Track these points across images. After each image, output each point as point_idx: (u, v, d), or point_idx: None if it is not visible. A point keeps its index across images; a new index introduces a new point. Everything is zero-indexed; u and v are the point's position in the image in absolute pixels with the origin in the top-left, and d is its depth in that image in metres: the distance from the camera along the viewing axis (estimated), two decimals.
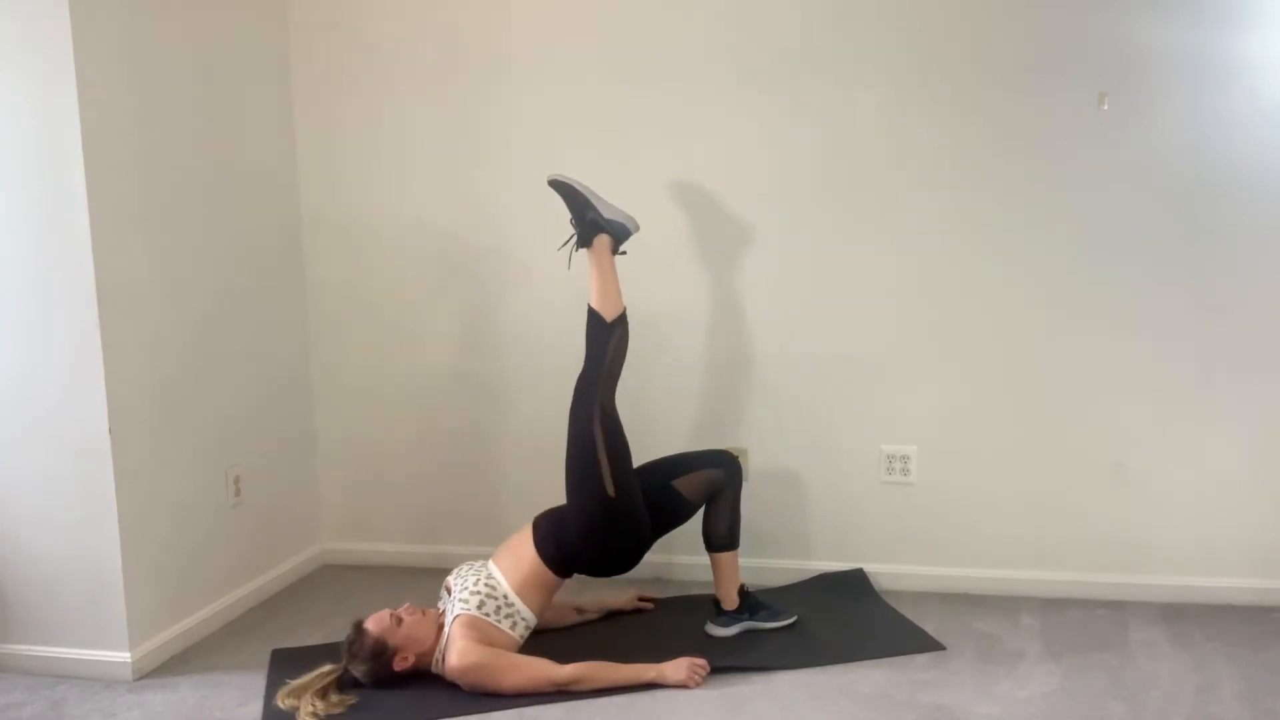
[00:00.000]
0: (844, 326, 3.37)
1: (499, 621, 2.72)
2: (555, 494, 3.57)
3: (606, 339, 2.86)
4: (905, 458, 3.38)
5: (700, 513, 3.02)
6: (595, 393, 2.84)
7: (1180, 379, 3.19)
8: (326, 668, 2.70)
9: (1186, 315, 3.16)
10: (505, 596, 2.76)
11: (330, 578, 3.71)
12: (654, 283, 3.40)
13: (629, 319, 2.91)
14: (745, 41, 3.34)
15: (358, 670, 2.69)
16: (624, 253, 2.99)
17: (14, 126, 2.73)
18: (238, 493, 3.36)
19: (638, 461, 2.93)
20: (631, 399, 3.49)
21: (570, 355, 3.46)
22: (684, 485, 2.95)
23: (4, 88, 2.72)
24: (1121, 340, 3.21)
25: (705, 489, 2.97)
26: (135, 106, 2.91)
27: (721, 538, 3.00)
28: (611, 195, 3.32)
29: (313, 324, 3.76)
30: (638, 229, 3.01)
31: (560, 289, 3.47)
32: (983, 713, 2.53)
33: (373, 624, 2.70)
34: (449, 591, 2.84)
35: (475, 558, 3.57)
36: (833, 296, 3.37)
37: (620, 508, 2.81)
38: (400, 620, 2.71)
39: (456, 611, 2.72)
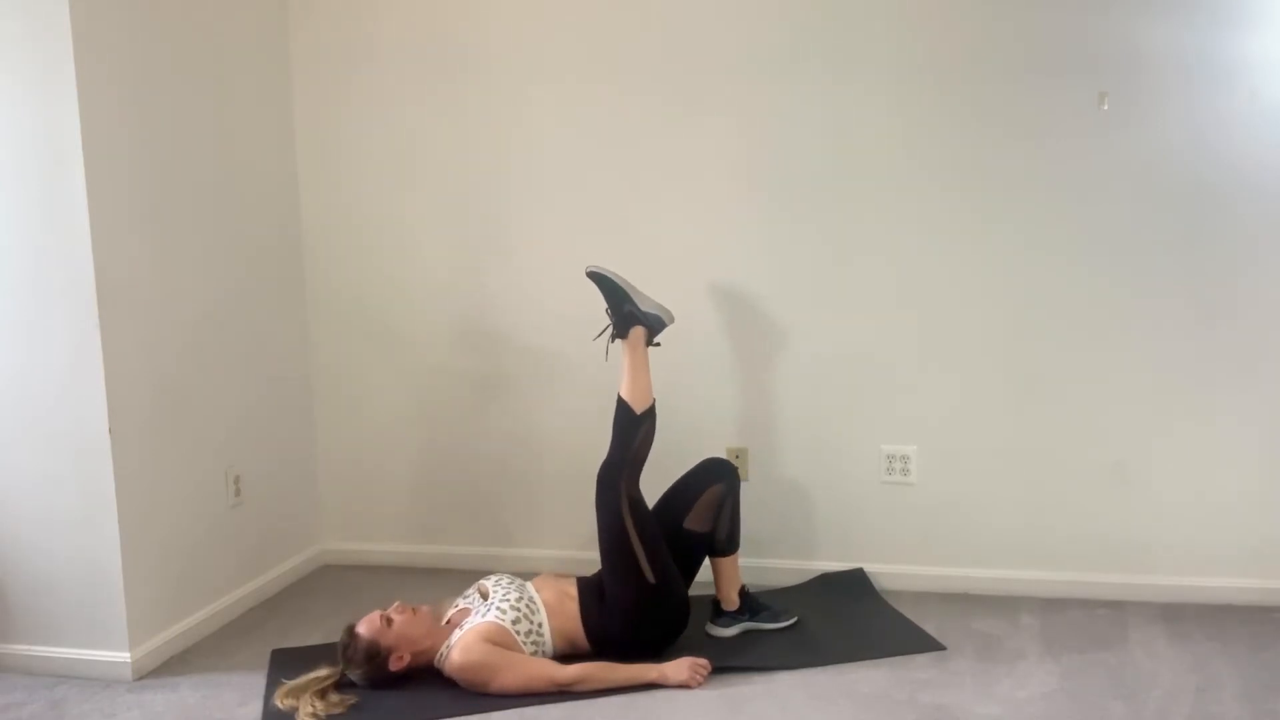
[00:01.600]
0: (844, 326, 3.37)
1: (524, 643, 2.72)
2: (555, 493, 3.59)
3: (635, 430, 2.87)
4: (905, 458, 3.38)
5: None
6: (621, 482, 2.83)
7: (1180, 379, 3.18)
8: (324, 671, 2.70)
9: (1187, 315, 3.16)
10: (540, 626, 2.77)
11: (330, 578, 3.71)
12: (653, 282, 3.40)
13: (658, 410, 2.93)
14: (746, 41, 3.33)
15: (354, 674, 2.69)
16: (658, 344, 3.01)
17: (14, 126, 2.73)
18: (238, 493, 3.36)
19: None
20: None
21: (570, 356, 3.49)
22: (695, 520, 2.96)
23: (4, 88, 2.72)
24: (1121, 340, 3.21)
25: (714, 510, 2.97)
26: (135, 106, 2.91)
27: (722, 543, 3.00)
28: (613, 194, 3.33)
29: (313, 324, 3.76)
30: (673, 321, 3.03)
31: (561, 290, 3.48)
32: (983, 713, 2.53)
33: (364, 627, 2.70)
34: (483, 595, 2.84)
35: (474, 558, 3.61)
36: (832, 296, 3.37)
37: (662, 592, 2.82)
38: (390, 620, 2.70)
39: (490, 618, 2.71)
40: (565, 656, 2.78)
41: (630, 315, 2.97)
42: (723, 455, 3.29)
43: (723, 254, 3.42)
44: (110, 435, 2.79)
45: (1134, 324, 3.19)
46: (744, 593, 3.05)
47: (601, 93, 3.45)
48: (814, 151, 3.32)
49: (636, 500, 2.86)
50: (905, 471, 3.39)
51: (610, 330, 3.02)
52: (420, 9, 3.55)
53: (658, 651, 2.82)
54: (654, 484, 2.99)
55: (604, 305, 3.01)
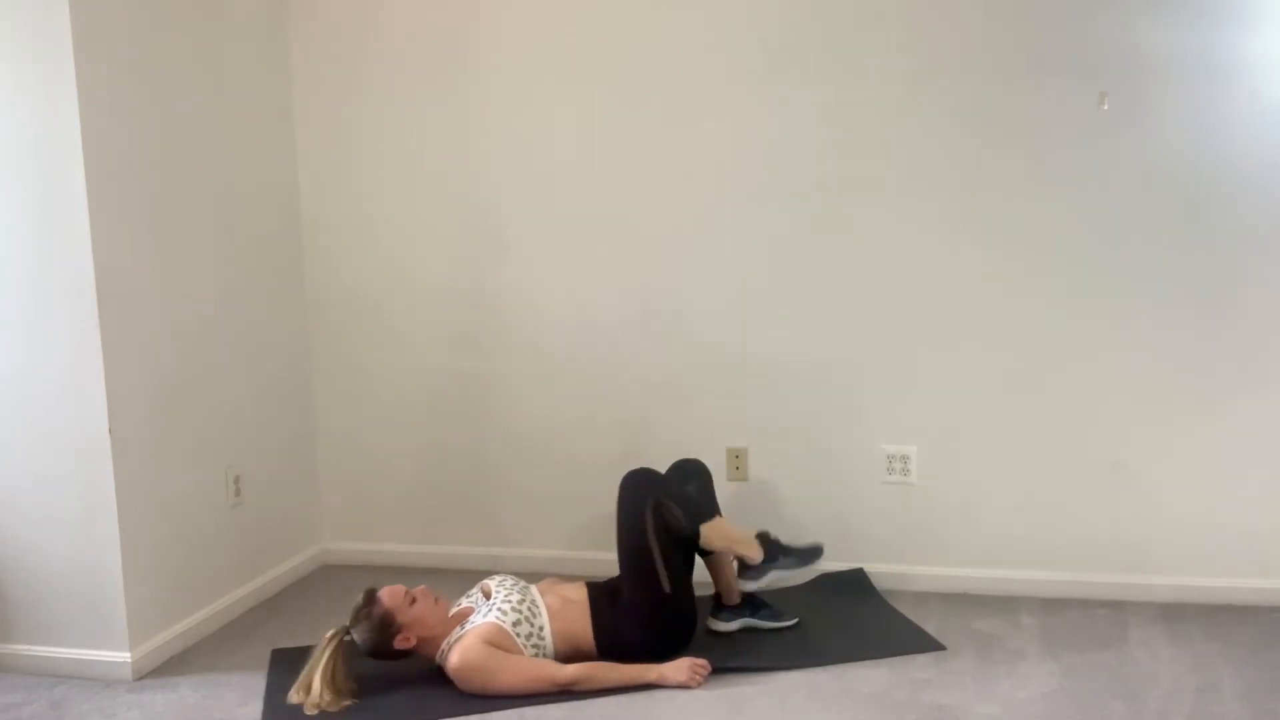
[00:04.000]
0: (844, 326, 3.36)
1: (524, 645, 2.71)
2: (555, 494, 3.59)
3: (689, 507, 2.91)
4: (905, 458, 3.38)
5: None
6: (650, 494, 2.84)
7: (1180, 379, 3.18)
8: (329, 632, 2.68)
9: (1186, 315, 3.16)
10: (541, 630, 2.75)
11: (330, 578, 3.71)
12: (654, 282, 3.41)
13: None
14: (746, 40, 3.33)
15: (359, 635, 2.68)
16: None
17: (14, 126, 2.73)
18: (238, 493, 3.36)
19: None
20: (632, 398, 3.50)
21: (569, 356, 3.49)
22: None
23: (4, 88, 2.72)
24: (1121, 340, 3.20)
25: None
26: (135, 106, 2.91)
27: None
28: (613, 193, 3.31)
29: (313, 323, 3.76)
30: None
31: (560, 291, 3.48)
32: (983, 713, 2.53)
33: (386, 595, 2.70)
34: (486, 595, 2.83)
35: (474, 558, 3.61)
36: (832, 296, 3.36)
37: (675, 602, 2.82)
38: (414, 600, 2.72)
39: (492, 618, 2.71)
40: (567, 660, 2.77)
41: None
42: (722, 455, 3.39)
43: (722, 254, 3.42)
44: (110, 435, 2.79)
45: (1134, 323, 3.19)
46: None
47: (602, 92, 3.45)
48: (814, 151, 3.32)
49: (660, 510, 2.84)
50: (905, 471, 3.38)
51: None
52: (421, 8, 3.54)
53: (664, 657, 2.81)
54: None
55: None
